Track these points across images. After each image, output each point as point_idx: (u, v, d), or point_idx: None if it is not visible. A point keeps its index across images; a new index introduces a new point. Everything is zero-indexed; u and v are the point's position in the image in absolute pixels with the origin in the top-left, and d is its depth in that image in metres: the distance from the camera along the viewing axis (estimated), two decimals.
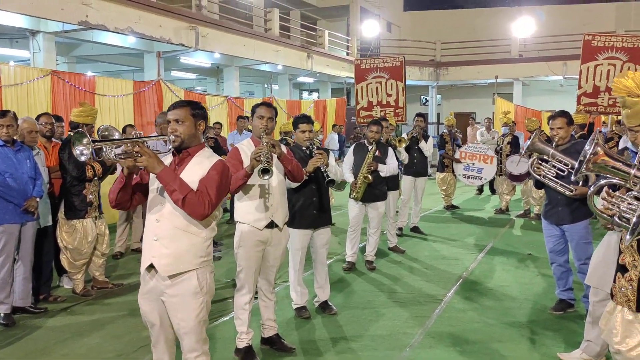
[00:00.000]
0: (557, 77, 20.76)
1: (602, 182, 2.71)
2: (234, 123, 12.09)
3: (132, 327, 4.65)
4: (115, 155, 2.87)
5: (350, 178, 6.22)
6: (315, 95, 26.39)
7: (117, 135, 5.48)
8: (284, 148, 4.05)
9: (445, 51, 22.88)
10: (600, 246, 3.86)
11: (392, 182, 7.17)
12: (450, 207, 10.98)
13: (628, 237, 2.58)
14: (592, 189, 2.73)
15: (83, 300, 5.48)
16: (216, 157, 3.03)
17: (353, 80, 20.16)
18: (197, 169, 2.95)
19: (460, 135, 12.02)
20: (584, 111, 9.22)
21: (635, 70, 8.95)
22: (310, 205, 4.76)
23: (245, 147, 4.04)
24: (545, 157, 4.61)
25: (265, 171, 3.62)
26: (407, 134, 8.23)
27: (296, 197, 4.75)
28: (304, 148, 4.76)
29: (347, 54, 21.70)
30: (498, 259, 6.85)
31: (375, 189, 6.24)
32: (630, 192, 2.64)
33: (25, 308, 5.04)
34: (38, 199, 4.99)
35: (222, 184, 2.95)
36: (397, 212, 7.94)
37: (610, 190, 2.71)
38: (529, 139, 9.84)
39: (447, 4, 27.18)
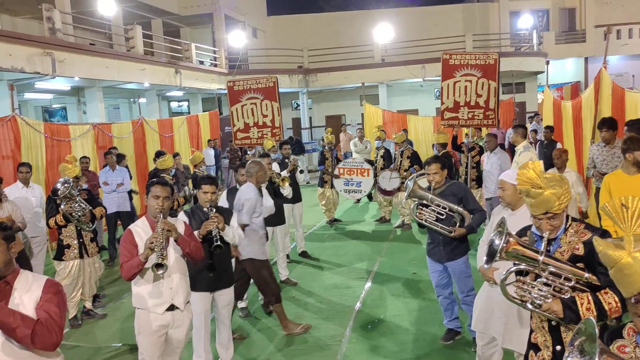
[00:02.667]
0: (417, 79, 22.07)
1: (512, 269, 2.80)
2: (103, 149, 11.44)
3: None
4: None
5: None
6: (185, 105, 25.66)
7: None
8: (181, 226, 3.89)
9: (312, 58, 23.36)
10: (481, 294, 4.20)
11: (278, 217, 7.23)
12: (333, 221, 11.31)
13: None
14: (502, 275, 2.83)
15: None
16: (42, 278, 2.73)
17: (223, 91, 20.08)
18: (27, 298, 2.62)
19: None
20: (447, 125, 9.88)
21: (489, 85, 9.79)
22: (207, 267, 4.66)
23: (140, 229, 3.86)
24: (425, 202, 4.93)
25: (159, 266, 3.48)
26: (288, 169, 8.35)
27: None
28: (205, 209, 4.64)
29: (216, 65, 21.36)
30: (386, 285, 7.15)
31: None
32: (539, 279, 2.74)
33: None
34: None
35: (62, 303, 2.69)
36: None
37: (520, 277, 2.80)
38: (398, 150, 10.38)
39: (309, 8, 27.75)
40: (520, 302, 2.78)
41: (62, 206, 5.93)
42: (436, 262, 5.13)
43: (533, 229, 2.95)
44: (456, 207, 4.87)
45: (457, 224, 4.88)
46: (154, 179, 3.98)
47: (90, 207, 6.18)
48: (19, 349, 2.58)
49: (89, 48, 13.77)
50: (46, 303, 2.61)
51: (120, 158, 9.97)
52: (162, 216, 3.75)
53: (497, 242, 2.73)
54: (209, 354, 4.77)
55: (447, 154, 9.28)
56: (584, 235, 2.80)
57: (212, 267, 4.67)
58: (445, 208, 4.87)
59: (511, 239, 2.72)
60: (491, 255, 2.76)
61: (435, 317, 5.85)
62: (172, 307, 3.84)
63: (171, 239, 3.78)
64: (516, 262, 2.76)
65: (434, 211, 4.89)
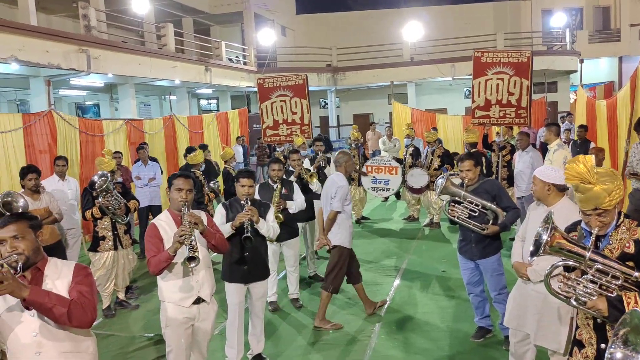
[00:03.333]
0: (447, 78, 21.91)
1: (558, 263, 2.72)
2: (134, 144, 11.62)
3: None
4: None
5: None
6: (214, 102, 25.94)
7: (21, 202, 5.09)
8: (204, 219, 3.93)
9: (341, 56, 23.38)
10: (515, 290, 4.16)
11: (308, 213, 7.25)
12: (361, 219, 11.29)
13: None
14: (547, 270, 2.76)
15: None
16: (71, 263, 2.82)
17: (252, 89, 20.22)
18: (58, 283, 2.70)
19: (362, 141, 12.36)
20: (478, 124, 9.79)
21: (521, 83, 9.66)
22: (240, 260, 4.72)
23: (164, 223, 3.87)
24: (457, 199, 4.90)
25: (192, 259, 3.51)
26: (314, 165, 8.35)
27: (228, 250, 4.70)
28: (242, 202, 4.70)
29: (245, 63, 21.53)
30: (415, 282, 7.13)
31: (288, 227, 6.22)
32: (585, 275, 2.65)
33: None
34: None
35: (92, 284, 2.78)
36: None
37: (564, 272, 2.73)
38: (429, 148, 10.33)
39: (338, 6, 27.72)
40: (564, 297, 2.71)
41: (99, 199, 6.06)
42: (468, 259, 5.09)
43: (583, 224, 2.87)
44: (489, 204, 4.82)
45: (490, 222, 4.84)
46: (176, 172, 4.00)
47: (125, 201, 6.31)
48: (55, 330, 2.66)
49: (122, 45, 14.05)
50: (77, 285, 2.70)
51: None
52: (186, 209, 3.75)
53: (543, 236, 2.65)
54: (241, 345, 4.82)
55: (477, 152, 9.17)
56: (636, 233, 2.70)
57: (246, 259, 4.72)
58: (478, 205, 4.83)
59: (556, 233, 2.64)
60: (536, 248, 2.70)
61: (466, 315, 5.81)
62: (198, 300, 3.86)
63: (196, 232, 3.79)
64: (563, 258, 2.68)
65: (467, 208, 4.85)
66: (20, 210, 5.17)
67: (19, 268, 2.57)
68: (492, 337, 5.23)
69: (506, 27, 25.42)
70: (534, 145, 10.82)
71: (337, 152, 6.05)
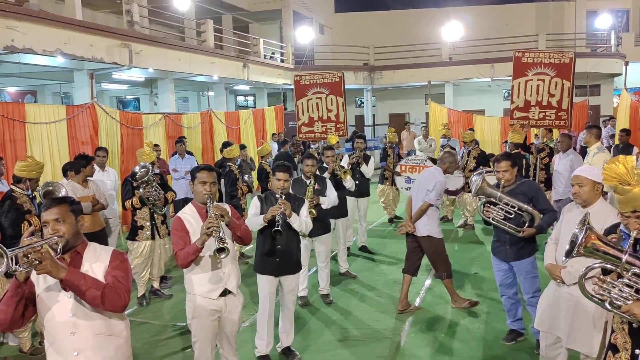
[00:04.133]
0: (486, 79, 21.58)
1: (595, 265, 2.65)
2: (172, 138, 11.83)
3: None
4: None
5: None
6: (251, 99, 26.17)
7: (63, 191, 5.26)
8: (228, 208, 3.92)
9: (378, 55, 23.27)
10: (547, 292, 4.08)
11: (340, 209, 7.27)
12: (394, 219, 11.24)
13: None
14: (582, 271, 2.70)
15: (31, 359, 5.26)
16: (109, 248, 2.92)
17: (289, 86, 20.32)
18: (96, 266, 2.79)
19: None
20: (518, 125, 9.62)
21: (563, 84, 9.46)
22: (271, 252, 4.77)
23: (189, 216, 3.88)
24: (493, 200, 4.84)
25: (221, 250, 3.53)
26: (349, 161, 8.34)
27: (260, 242, 4.77)
28: (277, 195, 4.75)
29: (282, 60, 21.66)
30: None
31: (320, 222, 6.24)
32: (621, 279, 2.58)
33: None
34: None
35: (128, 269, 2.86)
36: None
37: (600, 275, 2.66)
38: (465, 149, 10.20)
39: (377, 5, 27.59)
40: (598, 300, 2.64)
41: (140, 190, 6.22)
42: (501, 260, 5.03)
43: (622, 226, 2.81)
44: (526, 206, 4.74)
45: (527, 224, 4.76)
46: (199, 165, 4.00)
47: (163, 192, 6.46)
48: (90, 311, 2.74)
49: (163, 40, 14.31)
50: (113, 270, 2.78)
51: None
52: (211, 201, 3.76)
53: (579, 237, 2.58)
54: (270, 337, 4.88)
55: (518, 154, 9.01)
56: None
57: (277, 252, 4.76)
58: (514, 207, 4.76)
59: (591, 234, 2.58)
60: (571, 249, 2.63)
61: (498, 317, 5.74)
62: (225, 292, 3.88)
63: (222, 223, 3.78)
64: (600, 260, 2.61)
65: (502, 210, 4.79)
66: None
67: (58, 250, 2.66)
68: (524, 341, 5.15)
69: (548, 28, 24.85)
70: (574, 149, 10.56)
71: (444, 152, 6.40)
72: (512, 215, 4.76)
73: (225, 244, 3.56)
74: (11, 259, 2.39)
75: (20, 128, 8.84)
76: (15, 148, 8.65)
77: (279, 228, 4.52)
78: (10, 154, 8.45)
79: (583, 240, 2.58)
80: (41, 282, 2.74)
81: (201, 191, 3.82)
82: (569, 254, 2.63)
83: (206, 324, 3.87)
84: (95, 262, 2.80)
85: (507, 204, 4.76)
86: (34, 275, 2.68)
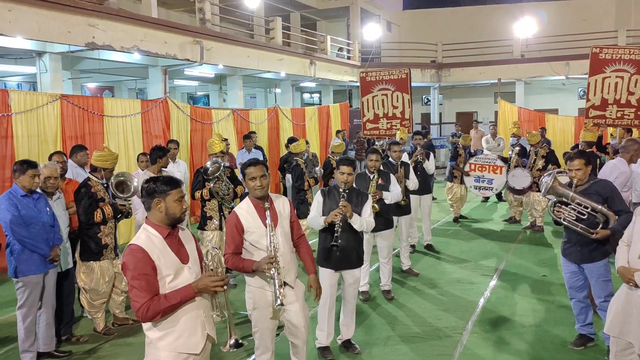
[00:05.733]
0: (560, 76, 20.76)
1: None
2: (240, 133, 12.11)
3: None
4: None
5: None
6: (316, 97, 26.37)
7: (135, 182, 5.50)
8: (287, 205, 4.07)
9: (446, 52, 22.86)
10: (619, 296, 3.89)
11: (403, 207, 7.20)
12: (459, 218, 11.03)
13: None
14: None
15: (105, 339, 5.53)
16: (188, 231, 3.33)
17: (355, 84, 20.31)
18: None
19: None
20: (594, 124, 9.22)
21: None
22: (332, 246, 4.78)
23: (244, 211, 3.91)
24: (564, 199, 4.66)
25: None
26: (412, 159, 8.24)
27: (322, 237, 4.81)
28: (340, 189, 4.78)
29: (349, 57, 21.68)
30: (513, 284, 6.89)
31: (383, 218, 6.17)
32: None
33: (50, 353, 5.09)
34: (60, 247, 5.03)
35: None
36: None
37: None
38: (533, 149, 9.79)
39: (445, 2, 27.09)
40: None
41: (211, 184, 6.43)
42: (571, 262, 4.84)
43: None
44: (600, 206, 4.54)
45: (600, 225, 4.56)
46: (247, 160, 4.01)
47: (233, 186, 6.65)
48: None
49: (233, 38, 14.67)
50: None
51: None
52: (267, 199, 3.98)
53: None
54: (331, 329, 4.91)
55: (592, 153, 8.61)
56: None
57: (338, 247, 4.76)
58: (587, 207, 4.57)
59: None
60: None
61: (566, 320, 5.54)
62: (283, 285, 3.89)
63: (284, 220, 3.96)
64: None
65: (574, 210, 4.61)
66: (132, 191, 5.56)
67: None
68: (593, 347, 4.95)
69: (629, 23, 23.58)
70: None
71: (625, 140, 6.60)
72: (585, 216, 4.57)
73: (283, 298, 3.71)
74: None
75: (99, 121, 9.30)
76: (94, 140, 9.11)
77: (336, 243, 4.54)
78: (89, 146, 8.90)
79: None
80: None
81: (252, 187, 3.89)
82: None
83: (266, 315, 3.93)
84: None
85: (580, 204, 4.58)
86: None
